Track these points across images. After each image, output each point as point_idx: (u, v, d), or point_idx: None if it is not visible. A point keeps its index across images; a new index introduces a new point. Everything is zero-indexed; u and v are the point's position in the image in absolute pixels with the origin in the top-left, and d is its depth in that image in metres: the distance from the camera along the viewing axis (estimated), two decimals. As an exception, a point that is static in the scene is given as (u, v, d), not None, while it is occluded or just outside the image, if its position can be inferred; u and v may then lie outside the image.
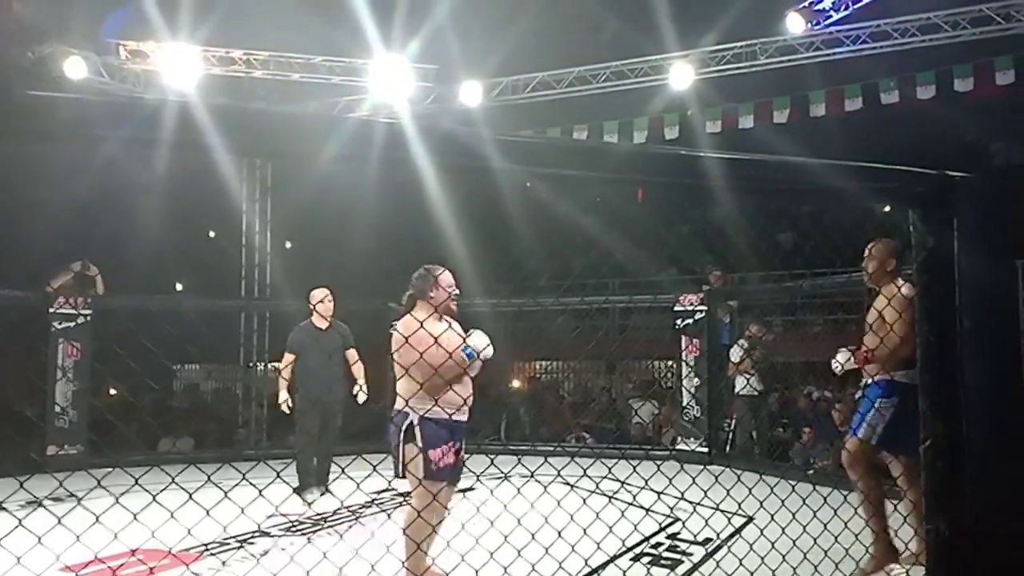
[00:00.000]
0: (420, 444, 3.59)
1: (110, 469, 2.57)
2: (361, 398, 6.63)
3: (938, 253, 1.89)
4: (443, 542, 2.55)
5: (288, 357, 6.49)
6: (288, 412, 6.47)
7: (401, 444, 3.65)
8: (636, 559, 4.48)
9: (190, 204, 11.13)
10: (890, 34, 9.28)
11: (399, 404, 3.70)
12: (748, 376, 7.98)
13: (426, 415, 3.58)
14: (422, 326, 3.38)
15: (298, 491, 6.04)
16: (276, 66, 10.03)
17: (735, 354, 8.12)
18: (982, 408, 1.85)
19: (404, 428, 3.65)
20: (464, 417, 3.71)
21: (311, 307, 6.67)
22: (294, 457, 6.42)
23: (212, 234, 13.83)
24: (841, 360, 4.39)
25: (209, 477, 2.34)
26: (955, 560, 1.85)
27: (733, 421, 8.43)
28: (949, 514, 1.86)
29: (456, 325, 3.95)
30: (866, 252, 4.36)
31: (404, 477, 3.67)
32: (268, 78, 10.18)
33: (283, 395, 6.43)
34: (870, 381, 4.23)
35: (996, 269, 1.89)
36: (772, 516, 2.87)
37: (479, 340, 3.76)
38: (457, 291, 3.96)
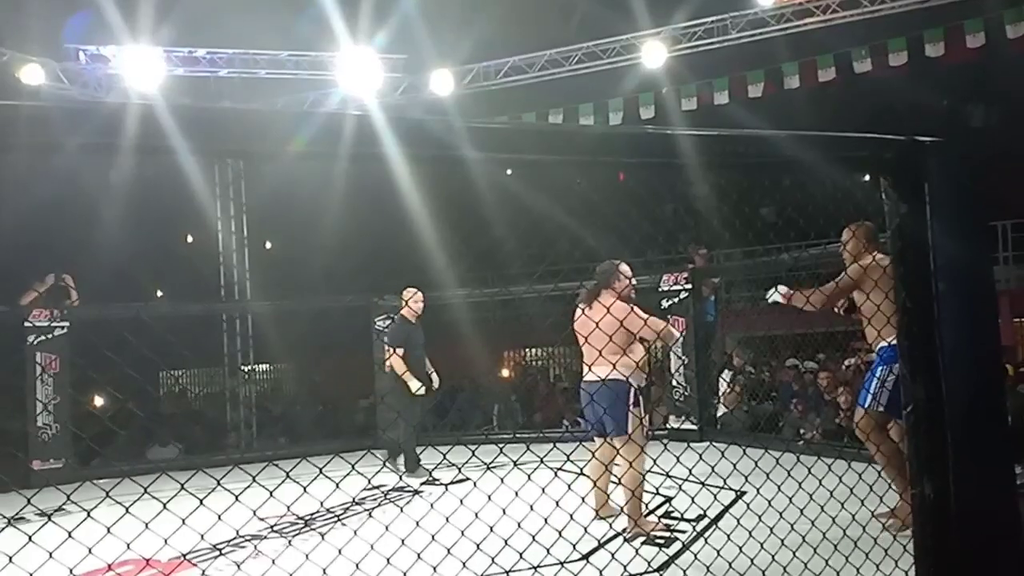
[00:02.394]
0: (641, 409, 4.46)
1: (81, 483, 2.52)
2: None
3: (911, 219, 1.87)
4: (426, 537, 2.55)
5: (400, 351, 7.07)
6: (410, 397, 7.01)
7: (630, 408, 4.45)
8: (628, 540, 4.48)
9: (162, 208, 11.02)
10: (860, 2, 9.25)
11: (612, 373, 4.40)
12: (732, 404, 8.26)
13: (639, 384, 4.49)
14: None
15: (410, 474, 6.63)
16: (241, 64, 9.90)
17: (722, 384, 8.31)
18: (961, 371, 1.84)
19: (632, 395, 4.46)
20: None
21: (404, 303, 7.28)
22: (398, 446, 7.21)
23: (190, 239, 13.71)
24: (780, 291, 4.54)
25: (183, 486, 2.29)
26: (941, 522, 1.84)
27: (720, 398, 8.52)
28: (933, 477, 1.85)
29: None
30: (845, 233, 4.50)
31: (621, 435, 4.48)
32: (234, 76, 10.05)
33: (415, 383, 6.97)
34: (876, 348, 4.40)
35: (969, 232, 1.87)
36: (758, 490, 2.86)
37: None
38: (635, 280, 4.78)
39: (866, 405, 4.34)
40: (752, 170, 3.85)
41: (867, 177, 2.23)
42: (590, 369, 4.65)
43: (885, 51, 9.48)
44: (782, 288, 4.56)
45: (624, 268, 4.73)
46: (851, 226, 4.51)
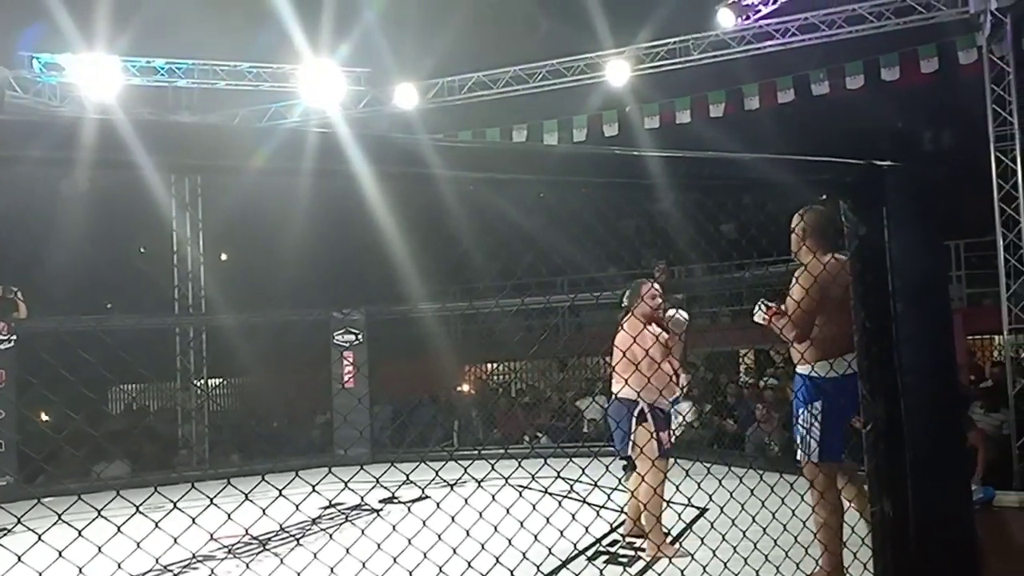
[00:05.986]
0: (652, 428, 4.47)
1: (31, 502, 2.43)
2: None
3: (869, 241, 1.91)
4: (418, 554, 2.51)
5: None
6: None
7: (634, 426, 4.54)
8: (591, 559, 4.47)
9: (116, 219, 10.80)
10: (818, 26, 9.46)
11: (628, 393, 4.54)
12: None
13: (654, 404, 4.53)
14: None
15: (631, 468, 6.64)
16: (200, 74, 9.76)
17: (685, 409, 8.42)
18: (919, 390, 1.87)
19: (637, 413, 4.55)
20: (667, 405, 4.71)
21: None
22: None
23: (143, 250, 13.45)
24: (758, 312, 3.97)
25: (138, 508, 2.22)
26: (899, 539, 1.86)
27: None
28: (893, 495, 1.87)
29: (654, 328, 4.74)
30: (793, 239, 3.85)
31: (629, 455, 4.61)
32: (193, 87, 9.91)
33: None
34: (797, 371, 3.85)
35: (926, 254, 1.91)
36: (721, 508, 2.87)
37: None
38: (659, 301, 4.80)
39: (799, 456, 3.75)
40: (716, 191, 3.87)
41: (824, 196, 2.27)
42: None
43: (842, 74, 9.71)
44: (764, 306, 4.04)
45: (648, 289, 4.85)
46: (795, 218, 3.67)
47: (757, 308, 3.91)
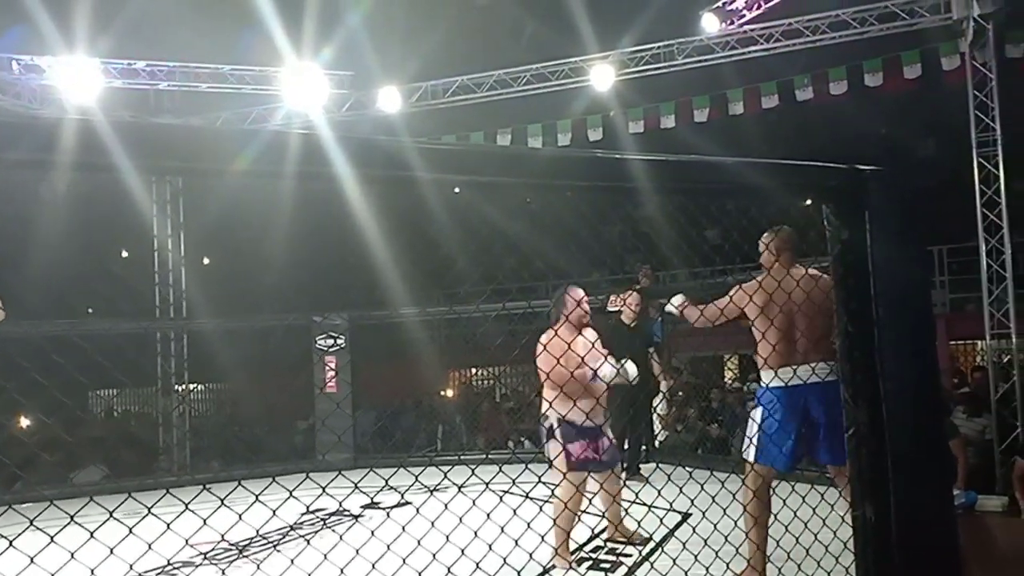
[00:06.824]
0: (561, 441, 4.31)
1: (4, 509, 2.38)
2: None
3: (852, 245, 1.90)
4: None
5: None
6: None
7: (545, 441, 4.42)
8: (575, 565, 4.45)
9: (96, 223, 10.68)
10: (802, 32, 9.51)
11: (544, 408, 4.41)
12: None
13: (564, 418, 4.27)
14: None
15: (632, 473, 6.98)
16: (182, 76, 9.68)
17: (662, 408, 8.38)
18: (901, 395, 1.87)
19: (547, 428, 4.39)
20: (596, 421, 4.29)
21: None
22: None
23: (125, 254, 13.32)
24: (675, 302, 4.23)
25: (111, 513, 2.18)
26: (881, 544, 1.86)
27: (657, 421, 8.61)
28: (875, 500, 1.87)
29: (589, 333, 4.57)
30: (760, 245, 4.11)
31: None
32: (174, 89, 9.82)
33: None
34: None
35: (908, 259, 1.91)
36: (704, 513, 2.86)
37: (607, 369, 4.39)
38: (587, 305, 4.55)
39: (743, 453, 3.90)
40: (699, 195, 3.88)
41: (808, 201, 2.27)
42: None
43: (826, 79, 9.76)
44: (676, 298, 4.26)
45: (573, 293, 4.55)
46: (765, 236, 4.04)
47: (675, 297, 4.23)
